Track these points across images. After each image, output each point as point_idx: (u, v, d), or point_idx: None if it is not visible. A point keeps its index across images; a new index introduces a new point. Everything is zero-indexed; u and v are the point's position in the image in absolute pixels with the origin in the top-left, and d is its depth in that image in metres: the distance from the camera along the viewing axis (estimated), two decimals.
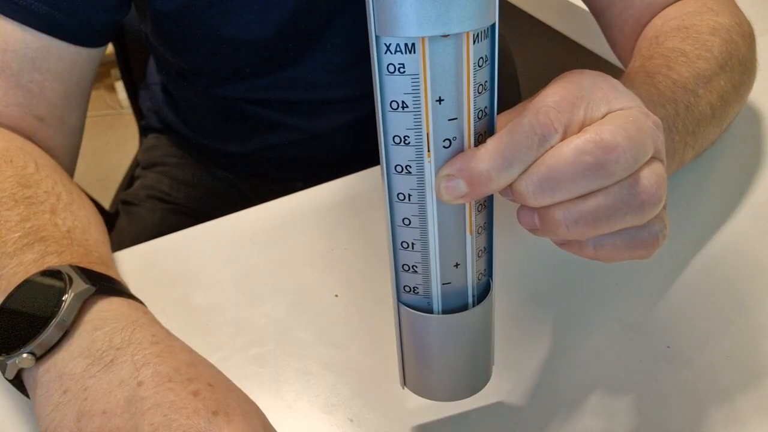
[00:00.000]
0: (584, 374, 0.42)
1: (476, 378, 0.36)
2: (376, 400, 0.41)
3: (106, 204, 0.93)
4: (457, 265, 0.32)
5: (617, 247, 0.32)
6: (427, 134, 0.29)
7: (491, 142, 0.29)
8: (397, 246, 0.32)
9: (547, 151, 0.30)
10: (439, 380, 0.35)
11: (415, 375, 0.36)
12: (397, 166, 0.30)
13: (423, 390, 0.36)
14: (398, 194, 0.31)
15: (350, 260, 0.50)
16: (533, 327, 0.44)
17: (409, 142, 0.30)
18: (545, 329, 0.44)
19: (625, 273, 0.48)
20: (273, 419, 0.36)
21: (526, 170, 0.30)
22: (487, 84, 0.30)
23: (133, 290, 0.40)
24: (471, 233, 0.32)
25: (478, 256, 0.33)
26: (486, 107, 0.30)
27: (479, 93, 0.29)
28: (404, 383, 0.37)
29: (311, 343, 0.44)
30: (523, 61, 0.96)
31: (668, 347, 0.43)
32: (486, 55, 0.29)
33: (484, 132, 0.31)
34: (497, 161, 0.29)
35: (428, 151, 0.29)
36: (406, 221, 0.31)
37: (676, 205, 0.53)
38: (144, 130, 0.91)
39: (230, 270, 0.49)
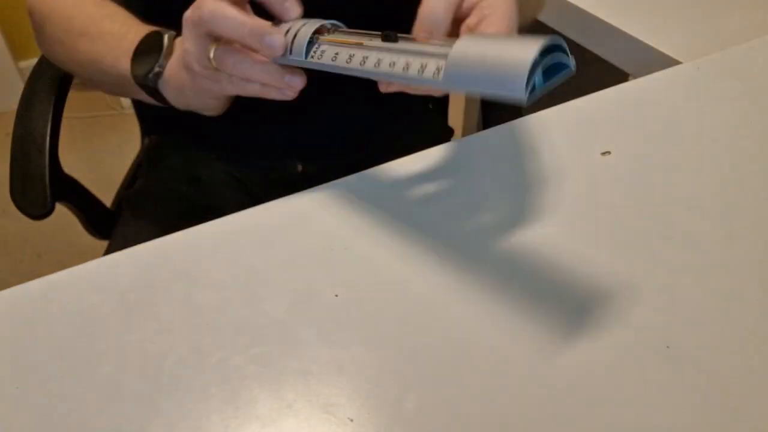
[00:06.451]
0: (584, 374, 0.42)
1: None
2: (376, 400, 0.41)
3: (108, 204, 0.93)
4: None
5: None
6: None
7: None
8: None
9: None
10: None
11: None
12: None
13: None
14: None
15: (350, 260, 0.50)
16: (533, 327, 0.45)
17: None
18: (545, 328, 0.44)
19: (625, 273, 0.48)
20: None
21: None
22: None
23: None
24: None
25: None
26: None
27: None
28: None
29: (311, 343, 0.44)
30: None
31: (668, 347, 0.43)
32: None
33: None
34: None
35: None
36: None
37: (676, 204, 0.53)
38: (145, 131, 0.90)
39: (230, 270, 0.49)
